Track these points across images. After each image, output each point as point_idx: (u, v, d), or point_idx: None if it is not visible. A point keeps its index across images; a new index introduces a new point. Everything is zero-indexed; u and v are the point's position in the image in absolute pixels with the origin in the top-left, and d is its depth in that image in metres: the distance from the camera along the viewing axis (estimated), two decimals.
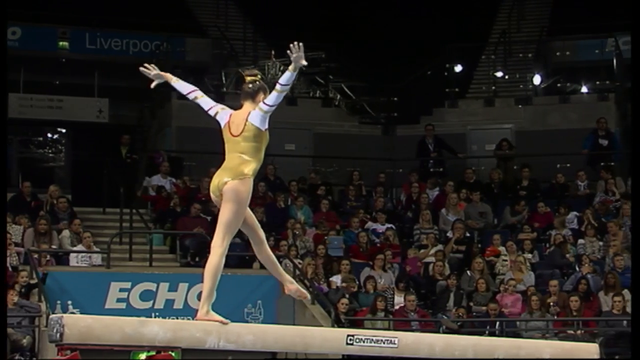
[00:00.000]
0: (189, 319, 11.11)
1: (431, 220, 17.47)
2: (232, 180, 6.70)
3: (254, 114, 6.79)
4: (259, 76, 6.99)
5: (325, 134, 20.40)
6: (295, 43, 6.47)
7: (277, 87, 6.68)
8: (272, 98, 6.74)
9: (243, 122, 6.78)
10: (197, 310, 6.40)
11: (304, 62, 6.48)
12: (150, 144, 20.01)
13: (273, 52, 21.28)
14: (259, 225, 6.99)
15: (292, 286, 7.01)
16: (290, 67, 6.56)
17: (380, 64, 21.96)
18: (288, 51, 6.48)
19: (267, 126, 6.81)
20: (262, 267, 17.96)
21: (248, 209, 6.86)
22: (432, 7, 23.06)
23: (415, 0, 23.43)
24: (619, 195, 17.62)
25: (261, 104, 6.77)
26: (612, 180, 17.86)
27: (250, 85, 6.91)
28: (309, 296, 7.16)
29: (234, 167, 6.72)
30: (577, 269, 15.88)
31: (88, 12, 20.93)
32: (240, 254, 16.70)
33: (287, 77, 6.59)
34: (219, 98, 20.35)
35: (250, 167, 6.70)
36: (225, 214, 6.69)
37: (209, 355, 7.00)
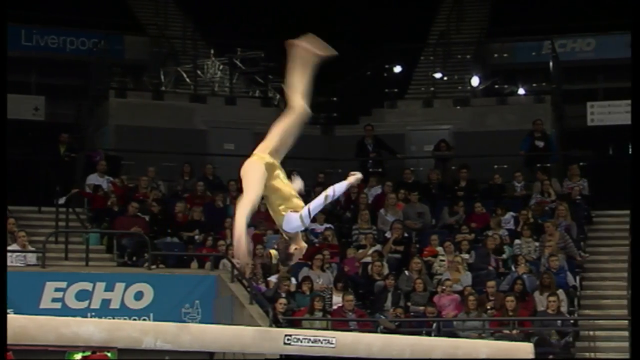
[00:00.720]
0: (125, 319, 11.04)
1: (370, 221, 17.52)
2: None
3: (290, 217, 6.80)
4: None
5: (264, 133, 20.19)
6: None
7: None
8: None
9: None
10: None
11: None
12: (88, 142, 19.81)
13: (212, 52, 21.20)
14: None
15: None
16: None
17: (320, 64, 21.95)
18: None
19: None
20: (200, 266, 17.96)
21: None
22: (372, 7, 23.14)
23: (355, 0, 23.52)
24: (555, 197, 17.83)
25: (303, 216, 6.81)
26: (547, 181, 18.06)
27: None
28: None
29: None
30: (513, 269, 16.03)
31: (24, 8, 20.65)
32: (178, 254, 16.63)
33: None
34: (157, 96, 20.41)
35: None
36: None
37: (146, 355, 6.94)
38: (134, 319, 14.06)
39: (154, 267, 15.71)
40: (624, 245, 17.11)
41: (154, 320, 14.27)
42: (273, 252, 6.80)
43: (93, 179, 17.95)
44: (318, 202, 6.78)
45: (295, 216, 6.69)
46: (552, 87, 20.56)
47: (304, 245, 6.80)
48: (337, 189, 6.77)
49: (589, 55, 21.91)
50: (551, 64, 20.53)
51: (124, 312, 15.00)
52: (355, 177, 6.73)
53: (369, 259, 16.54)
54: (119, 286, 15.28)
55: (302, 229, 6.83)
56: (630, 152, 22.70)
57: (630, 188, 10.21)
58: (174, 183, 18.79)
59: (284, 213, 6.70)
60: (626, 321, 14.82)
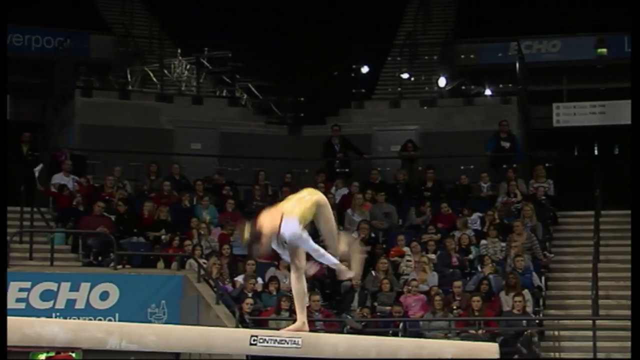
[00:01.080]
0: (90, 319, 10.98)
1: (336, 221, 17.49)
2: None
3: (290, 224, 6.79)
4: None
5: (231, 133, 20.32)
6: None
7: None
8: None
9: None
10: None
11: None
12: (53, 141, 19.68)
13: (179, 51, 21.13)
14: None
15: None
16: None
17: (287, 64, 21.98)
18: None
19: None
20: (166, 266, 17.84)
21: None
22: (339, 7, 23.16)
23: (323, 0, 23.53)
24: (520, 197, 17.92)
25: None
26: (513, 182, 18.14)
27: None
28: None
29: None
30: (479, 269, 16.10)
31: None
32: (144, 254, 16.56)
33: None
34: (124, 96, 20.30)
35: None
36: None
37: (111, 355, 6.91)
38: (100, 319, 13.99)
39: (119, 267, 15.64)
40: (589, 245, 17.24)
41: (120, 320, 14.23)
42: (246, 228, 6.67)
43: (58, 178, 17.83)
44: (313, 247, 6.88)
45: (295, 221, 6.73)
46: (518, 88, 20.66)
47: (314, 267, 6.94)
48: (328, 259, 6.92)
49: (554, 56, 22.07)
50: (517, 65, 20.63)
51: (89, 312, 14.92)
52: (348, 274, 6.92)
53: None
54: (84, 286, 15.20)
55: (294, 238, 6.84)
56: (595, 153, 22.94)
57: (631, 188, 10.29)
58: (140, 183, 18.71)
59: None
60: (590, 321, 14.94)
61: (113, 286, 15.31)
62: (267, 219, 6.77)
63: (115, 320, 14.24)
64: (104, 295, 15.27)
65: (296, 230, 6.73)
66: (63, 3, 21.32)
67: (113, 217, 16.93)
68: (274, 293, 15.36)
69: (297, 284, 7.02)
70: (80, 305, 15.07)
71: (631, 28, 10.60)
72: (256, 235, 6.62)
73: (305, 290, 7.09)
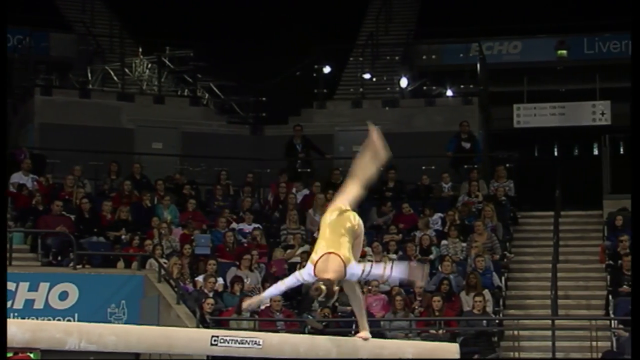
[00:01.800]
0: (49, 320, 10.88)
1: (298, 221, 17.52)
2: None
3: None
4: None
5: (193, 132, 20.26)
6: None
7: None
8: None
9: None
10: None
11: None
12: (12, 140, 19.50)
13: (140, 50, 21.03)
14: None
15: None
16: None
17: (249, 63, 21.93)
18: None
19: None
20: (126, 266, 17.73)
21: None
22: (301, 7, 23.16)
23: (284, 0, 23.52)
24: (482, 197, 18.01)
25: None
26: (475, 182, 18.23)
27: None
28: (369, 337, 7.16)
29: None
30: (440, 269, 16.16)
31: None
32: (104, 254, 16.46)
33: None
34: (84, 95, 20.16)
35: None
36: None
37: (70, 356, 6.85)
38: (59, 320, 13.88)
39: (79, 267, 15.53)
40: (548, 245, 17.37)
41: (79, 320, 14.13)
42: (322, 287, 6.78)
43: (17, 177, 17.67)
44: (376, 272, 7.21)
45: (357, 267, 7.05)
46: (479, 89, 20.77)
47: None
48: (394, 274, 7.22)
49: (515, 58, 22.21)
50: (478, 66, 20.74)
51: (48, 312, 14.82)
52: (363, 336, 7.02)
53: (297, 259, 16.54)
54: (43, 286, 15.09)
55: (355, 279, 7.15)
56: (555, 154, 23.11)
57: (631, 188, 10.34)
58: (100, 182, 18.60)
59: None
60: (549, 321, 15.05)
61: (72, 286, 15.20)
62: (331, 273, 6.86)
63: (74, 321, 14.13)
64: (63, 295, 15.16)
65: (359, 273, 7.12)
66: (23, 1, 21.13)
67: (73, 217, 16.81)
68: (238, 293, 15.33)
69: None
70: (39, 305, 14.96)
71: (631, 28, 10.66)
72: (330, 294, 6.78)
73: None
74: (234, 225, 17.46)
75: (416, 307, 15.17)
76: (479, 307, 14.92)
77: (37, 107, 19.37)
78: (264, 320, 14.90)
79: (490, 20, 22.78)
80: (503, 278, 16.55)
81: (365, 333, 7.05)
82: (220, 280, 15.75)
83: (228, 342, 6.35)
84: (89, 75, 20.30)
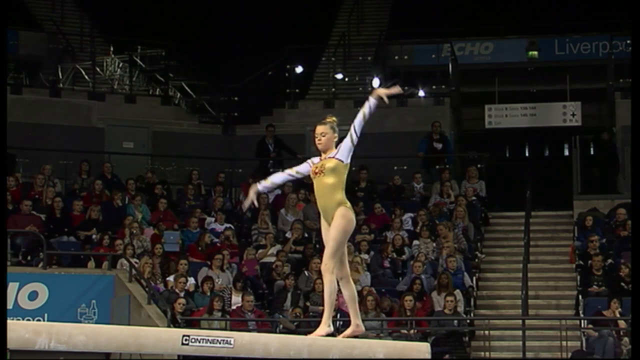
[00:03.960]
0: (18, 320, 10.82)
1: (270, 221, 17.51)
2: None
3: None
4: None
5: (164, 132, 20.20)
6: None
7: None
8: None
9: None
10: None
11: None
12: None
13: (112, 49, 20.93)
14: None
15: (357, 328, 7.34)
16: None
17: (221, 63, 21.89)
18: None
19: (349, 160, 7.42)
20: (97, 266, 17.63)
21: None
22: (273, 7, 23.14)
23: (257, 0, 23.49)
24: (453, 198, 18.07)
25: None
26: (447, 183, 18.28)
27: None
28: (363, 329, 7.42)
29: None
30: (412, 269, 16.19)
31: None
32: (74, 253, 16.37)
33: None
34: (54, 93, 20.02)
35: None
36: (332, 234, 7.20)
37: (39, 356, 6.81)
38: (28, 319, 13.82)
39: (49, 266, 15.44)
40: (519, 246, 17.46)
41: (49, 320, 14.04)
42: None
43: None
44: (358, 120, 7.82)
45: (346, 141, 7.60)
46: (451, 90, 20.83)
47: None
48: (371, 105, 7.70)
49: (486, 58, 22.28)
50: (450, 66, 20.80)
51: (17, 312, 14.72)
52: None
53: (268, 259, 16.52)
54: (13, 286, 15.00)
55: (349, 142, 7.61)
56: (526, 154, 23.22)
57: (632, 186, 10.40)
58: (70, 181, 18.50)
59: None
60: (519, 321, 15.11)
61: (42, 286, 15.12)
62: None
63: (44, 321, 14.05)
64: (33, 295, 15.07)
65: (349, 139, 7.75)
66: None
67: (42, 216, 16.71)
68: (208, 293, 15.29)
69: (347, 290, 7.34)
70: (8, 305, 14.84)
71: (631, 28, 10.71)
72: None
73: (355, 294, 7.47)
74: (208, 219, 17.45)
75: (387, 307, 15.15)
76: (450, 307, 14.97)
77: (7, 106, 19.20)
78: (236, 320, 14.87)
79: (461, 22, 22.86)
80: (474, 278, 16.61)
81: (354, 328, 7.27)
82: (192, 280, 15.70)
83: (199, 342, 6.33)
84: (59, 74, 20.18)
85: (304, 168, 7.49)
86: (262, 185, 7.68)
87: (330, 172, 7.31)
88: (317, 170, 7.35)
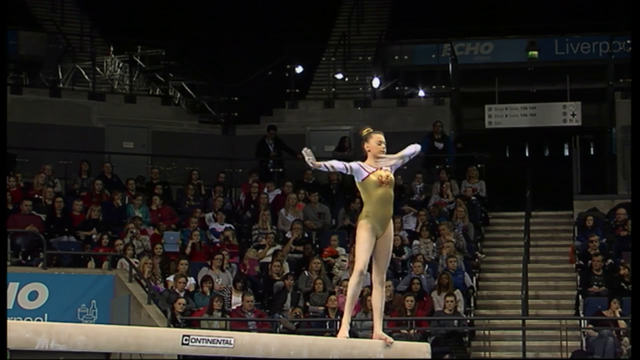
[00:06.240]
0: (19, 320, 10.82)
1: (270, 221, 17.50)
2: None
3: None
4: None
5: (164, 132, 20.20)
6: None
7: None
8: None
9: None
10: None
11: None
12: None
13: (112, 49, 20.93)
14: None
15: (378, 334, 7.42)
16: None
17: (221, 63, 21.89)
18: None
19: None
20: (97, 266, 17.63)
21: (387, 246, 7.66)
22: (273, 7, 23.14)
23: (257, 0, 23.49)
24: (453, 198, 18.06)
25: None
26: (447, 183, 18.27)
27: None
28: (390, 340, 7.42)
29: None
30: (412, 269, 16.17)
31: None
32: (74, 253, 16.37)
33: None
34: (54, 93, 20.03)
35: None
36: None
37: (39, 356, 6.82)
38: (28, 320, 13.82)
39: (49, 266, 15.44)
40: (519, 246, 17.45)
41: (49, 320, 14.05)
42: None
43: None
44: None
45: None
46: (451, 90, 20.82)
47: None
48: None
49: (486, 58, 22.28)
50: (450, 66, 20.79)
51: (17, 312, 14.71)
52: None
53: (269, 259, 16.52)
54: (13, 286, 14.99)
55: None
56: (526, 154, 23.22)
57: (632, 186, 10.40)
58: (70, 181, 18.50)
59: None
60: (519, 321, 15.11)
61: (42, 286, 15.12)
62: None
63: (44, 321, 14.05)
64: (33, 295, 15.07)
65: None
66: None
67: (42, 217, 16.71)
68: (208, 293, 15.29)
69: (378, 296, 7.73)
70: (8, 305, 14.83)
71: (631, 28, 10.71)
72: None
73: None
74: (207, 216, 17.45)
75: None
76: (450, 307, 14.97)
77: (7, 106, 19.21)
78: (236, 320, 14.87)
79: (461, 22, 22.85)
80: (474, 278, 16.60)
81: (380, 334, 7.36)
82: (192, 280, 15.70)
83: (199, 342, 6.33)
84: (59, 74, 20.18)
85: (356, 169, 7.57)
86: (322, 163, 7.64)
87: (393, 184, 7.63)
88: (384, 180, 7.57)
